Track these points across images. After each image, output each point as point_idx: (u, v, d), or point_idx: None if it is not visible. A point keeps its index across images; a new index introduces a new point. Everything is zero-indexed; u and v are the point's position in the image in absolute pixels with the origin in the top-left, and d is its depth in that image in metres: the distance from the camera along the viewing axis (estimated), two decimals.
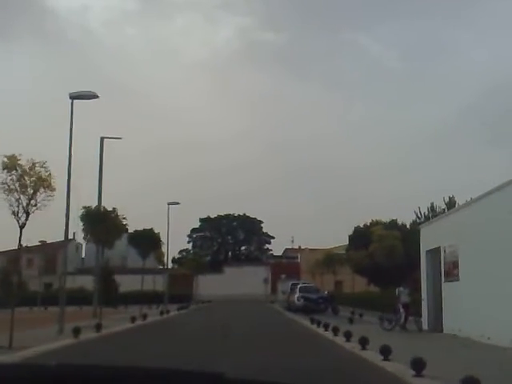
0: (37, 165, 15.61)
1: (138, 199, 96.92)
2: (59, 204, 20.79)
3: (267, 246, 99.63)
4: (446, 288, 20.76)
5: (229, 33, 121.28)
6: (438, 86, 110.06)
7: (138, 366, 2.24)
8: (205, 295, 64.42)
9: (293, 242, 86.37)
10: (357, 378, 11.37)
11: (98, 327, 20.33)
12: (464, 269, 18.97)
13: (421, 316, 22.58)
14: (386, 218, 54.68)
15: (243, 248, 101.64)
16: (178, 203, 46.84)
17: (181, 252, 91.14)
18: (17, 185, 15.35)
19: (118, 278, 52.32)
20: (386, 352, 12.07)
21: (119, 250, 46.53)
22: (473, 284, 18.08)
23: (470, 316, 17.84)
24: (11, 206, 15.67)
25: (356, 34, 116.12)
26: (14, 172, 15.50)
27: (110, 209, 27.37)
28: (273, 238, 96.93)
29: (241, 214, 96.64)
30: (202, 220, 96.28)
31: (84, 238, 28.35)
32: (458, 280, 19.46)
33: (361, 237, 51.92)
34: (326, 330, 19.94)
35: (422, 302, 22.93)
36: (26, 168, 15.35)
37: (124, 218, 27.32)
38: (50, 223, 26.32)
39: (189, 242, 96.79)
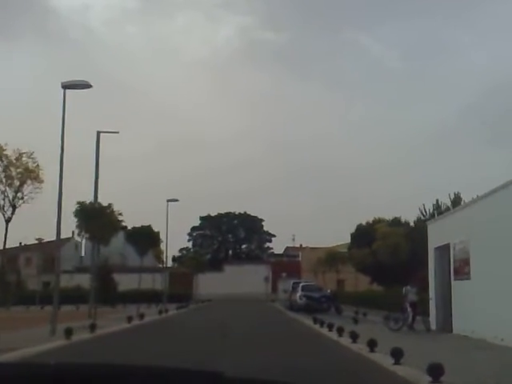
0: (24, 155, 14.80)
1: (139, 197, 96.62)
2: (56, 201, 20.20)
3: (268, 244, 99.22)
4: (456, 286, 19.86)
5: (229, 32, 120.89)
6: (438, 85, 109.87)
7: (137, 365, 2.22)
8: (205, 294, 63.62)
9: (294, 240, 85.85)
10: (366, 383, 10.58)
11: (92, 327, 19.59)
12: (476, 266, 18.05)
13: (428, 315, 21.80)
14: (388, 216, 54.05)
15: (244, 246, 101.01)
16: (176, 200, 46.46)
17: (181, 250, 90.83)
18: (2, 176, 14.56)
19: (117, 276, 51.69)
20: (397, 355, 11.19)
21: (116, 248, 45.82)
22: (485, 282, 17.18)
23: (483, 316, 16.96)
24: None
25: (357, 34, 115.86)
26: None
27: (105, 204, 26.51)
28: (274, 236, 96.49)
29: (241, 212, 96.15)
30: (202, 218, 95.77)
31: (78, 235, 27.55)
32: (468, 278, 18.57)
33: (363, 235, 51.21)
34: (330, 330, 19.26)
35: (430, 301, 22.13)
36: (12, 159, 14.53)
37: (120, 214, 26.51)
38: (46, 221, 25.68)
39: (189, 241, 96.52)
